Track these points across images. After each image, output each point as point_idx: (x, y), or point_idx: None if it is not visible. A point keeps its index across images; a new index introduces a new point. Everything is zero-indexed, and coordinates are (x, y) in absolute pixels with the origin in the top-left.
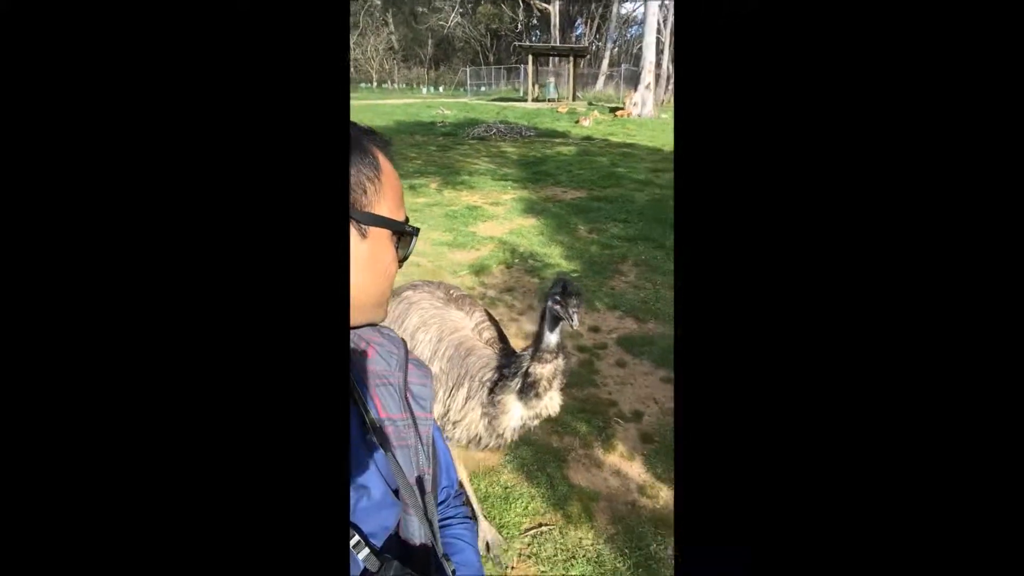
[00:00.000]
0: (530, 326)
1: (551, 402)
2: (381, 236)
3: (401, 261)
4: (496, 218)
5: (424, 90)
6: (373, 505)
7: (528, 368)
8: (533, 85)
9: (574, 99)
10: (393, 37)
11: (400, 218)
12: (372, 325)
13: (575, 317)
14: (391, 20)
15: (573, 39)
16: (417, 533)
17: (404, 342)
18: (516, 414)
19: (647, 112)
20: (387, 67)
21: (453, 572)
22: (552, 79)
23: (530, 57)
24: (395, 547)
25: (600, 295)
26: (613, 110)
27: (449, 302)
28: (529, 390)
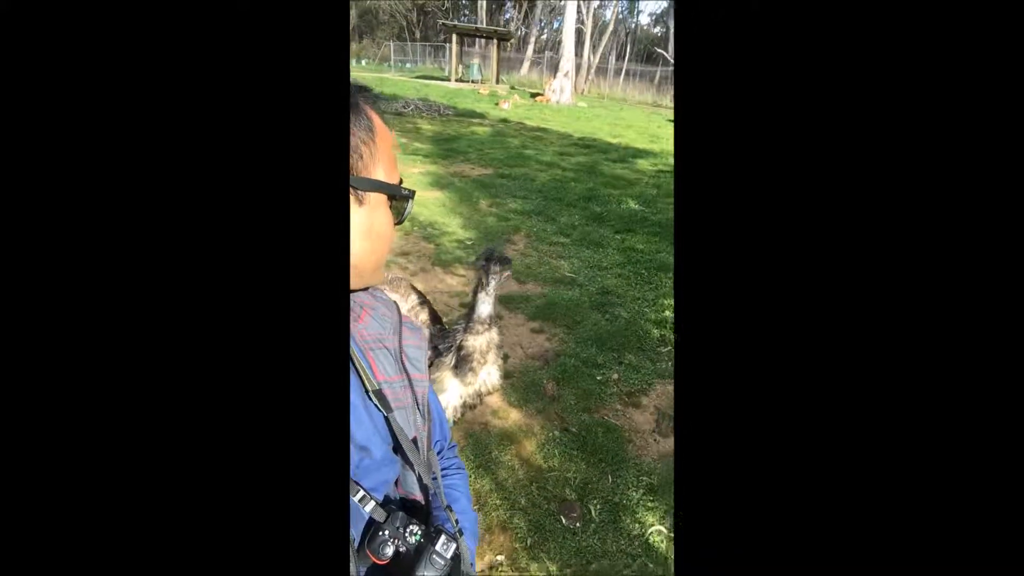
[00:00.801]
0: (420, 285)
1: (489, 376)
2: (378, 201)
3: (397, 223)
4: None
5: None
6: (375, 463)
7: (461, 341)
8: (457, 65)
9: (497, 82)
10: None
11: (395, 181)
12: (366, 289)
13: (492, 281)
14: None
15: (502, 22)
16: (416, 487)
17: (397, 305)
18: (454, 391)
19: (565, 99)
20: None
21: (456, 522)
22: (477, 60)
23: (454, 36)
24: (396, 500)
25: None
26: (534, 95)
27: (384, 285)
28: (463, 364)
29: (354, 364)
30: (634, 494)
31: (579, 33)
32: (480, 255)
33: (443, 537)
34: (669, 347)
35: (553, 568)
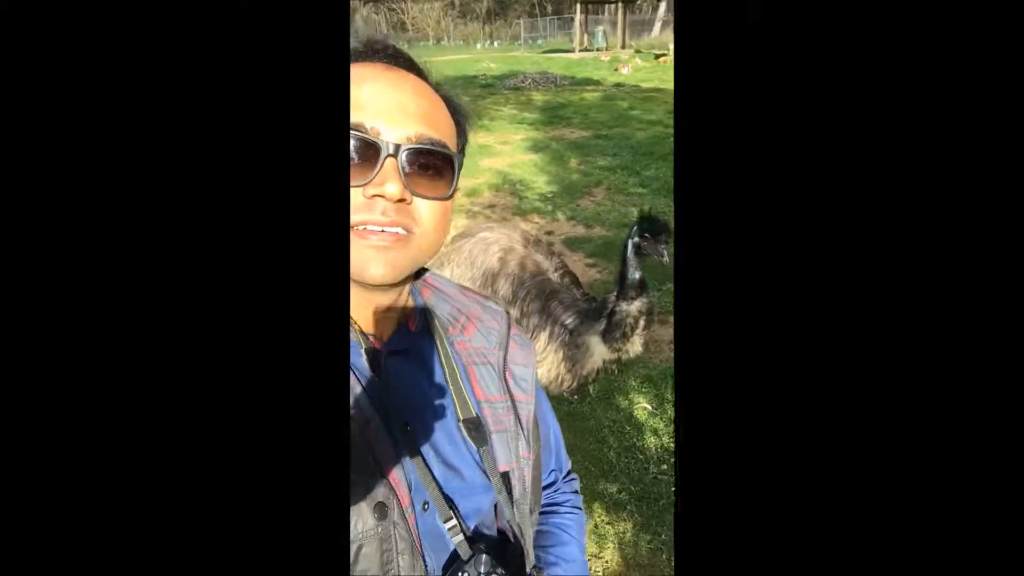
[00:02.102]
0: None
1: (633, 346)
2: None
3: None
4: (501, 155)
5: (478, 45)
6: (466, 487)
7: (614, 307)
8: (582, 35)
9: (623, 47)
10: None
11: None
12: (467, 290)
13: (665, 253)
14: None
15: None
16: (512, 524)
17: (508, 317)
18: (598, 356)
19: None
20: (443, 25)
21: None
22: (601, 28)
23: (578, 6)
24: (491, 534)
25: (565, 210)
26: (657, 56)
27: (528, 245)
28: (615, 330)
29: (450, 379)
30: (632, 382)
31: None
32: (639, 223)
33: None
34: None
35: None
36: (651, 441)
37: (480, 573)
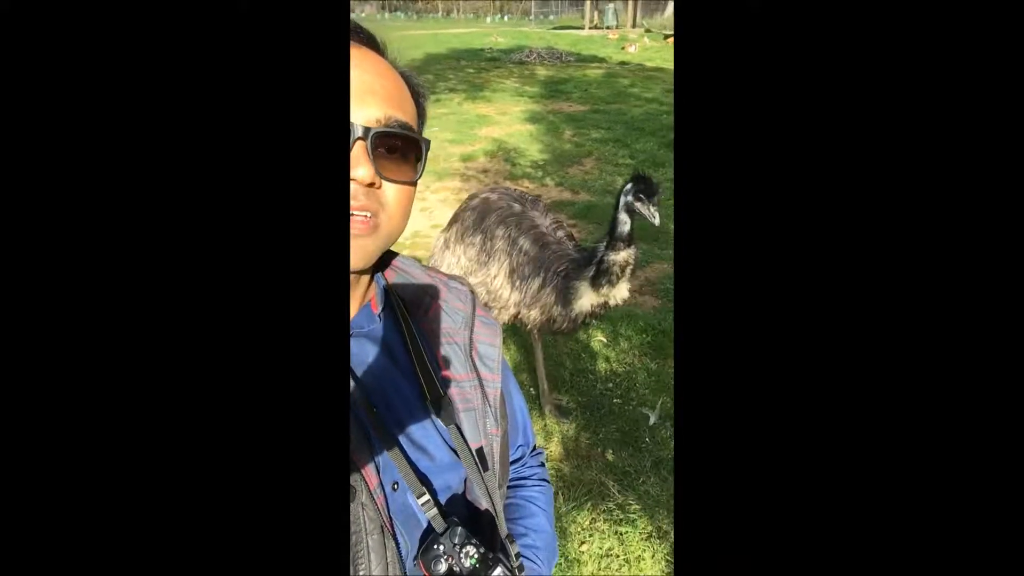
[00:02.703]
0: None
1: (618, 291)
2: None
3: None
4: (499, 124)
5: (488, 19)
6: (435, 467)
7: (602, 256)
8: (592, 12)
9: (634, 26)
10: None
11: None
12: (431, 271)
13: (656, 215)
14: None
15: None
16: (483, 498)
17: (473, 296)
18: (587, 300)
19: None
20: None
21: (517, 555)
22: (611, 5)
23: None
24: (462, 508)
25: (554, 176)
26: (667, 37)
27: (525, 203)
28: (602, 277)
29: (416, 360)
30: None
31: None
32: (631, 182)
33: (500, 569)
34: None
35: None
36: (602, 366)
37: (455, 544)
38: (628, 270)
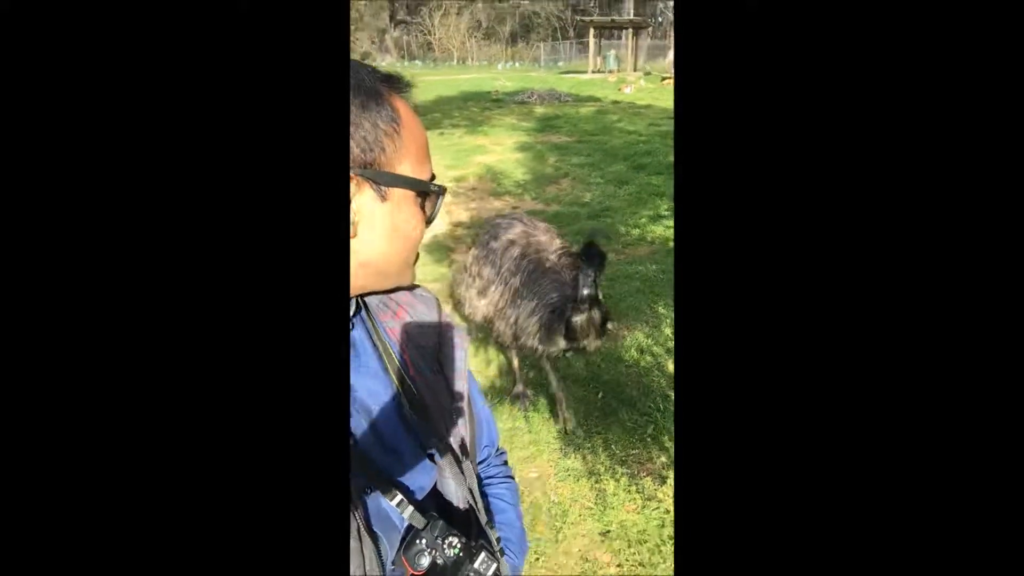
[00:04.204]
0: (474, 205)
1: (589, 345)
2: (404, 197)
3: (428, 222)
4: (491, 153)
5: (500, 65)
6: (407, 468)
7: (568, 318)
8: (595, 57)
9: (635, 70)
10: (482, 15)
11: (425, 176)
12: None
13: (587, 288)
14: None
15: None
16: (455, 495)
17: (438, 302)
18: (561, 346)
19: None
20: (468, 46)
21: (498, 540)
22: (613, 51)
23: (591, 30)
24: (435, 507)
25: (532, 192)
26: (663, 79)
27: (537, 228)
28: (572, 334)
29: (386, 362)
30: None
31: None
32: (583, 251)
33: (484, 554)
34: (633, 240)
35: None
36: None
37: (436, 537)
38: (593, 329)
